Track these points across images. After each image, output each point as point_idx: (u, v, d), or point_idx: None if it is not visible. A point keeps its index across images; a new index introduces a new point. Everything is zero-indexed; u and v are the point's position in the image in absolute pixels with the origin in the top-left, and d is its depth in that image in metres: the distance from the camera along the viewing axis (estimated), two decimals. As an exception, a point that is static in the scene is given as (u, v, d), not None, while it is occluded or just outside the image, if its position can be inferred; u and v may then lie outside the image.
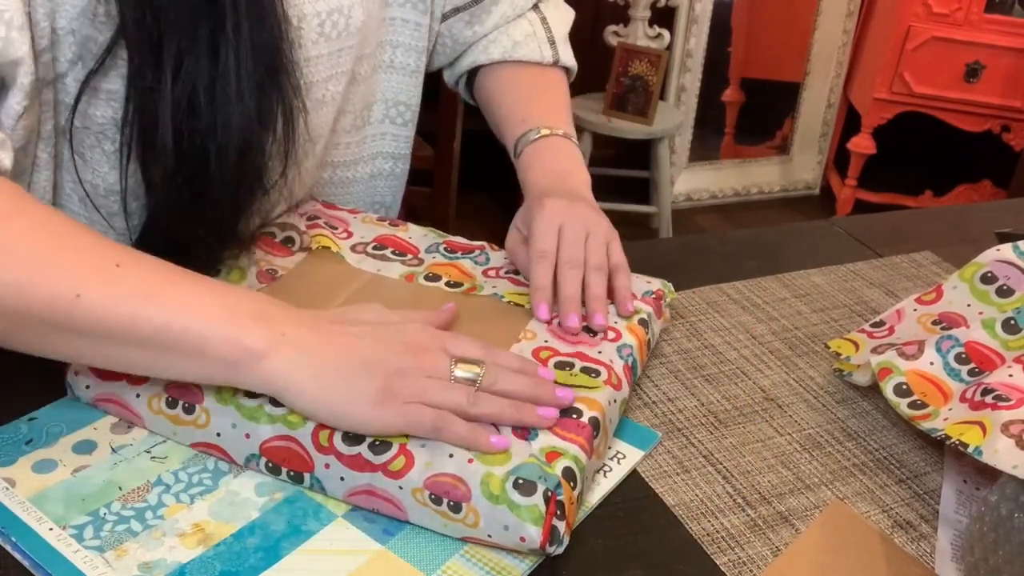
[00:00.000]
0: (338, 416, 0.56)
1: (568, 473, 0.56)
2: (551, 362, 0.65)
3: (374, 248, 0.77)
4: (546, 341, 0.67)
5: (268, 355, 0.55)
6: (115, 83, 0.63)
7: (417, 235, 0.80)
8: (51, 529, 0.54)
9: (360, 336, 0.58)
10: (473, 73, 0.93)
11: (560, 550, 0.55)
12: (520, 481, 0.54)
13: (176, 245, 0.63)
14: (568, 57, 0.92)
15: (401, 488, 0.55)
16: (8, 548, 0.53)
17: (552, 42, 0.91)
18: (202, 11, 0.60)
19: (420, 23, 0.85)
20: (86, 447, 0.60)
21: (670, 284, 0.77)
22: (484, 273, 0.75)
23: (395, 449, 0.56)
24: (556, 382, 0.62)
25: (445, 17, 0.88)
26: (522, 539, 0.53)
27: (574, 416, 0.60)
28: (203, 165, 0.63)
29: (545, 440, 0.57)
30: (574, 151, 0.82)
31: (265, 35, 0.63)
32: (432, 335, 0.60)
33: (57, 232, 0.56)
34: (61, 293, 0.53)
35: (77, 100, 0.63)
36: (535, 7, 0.93)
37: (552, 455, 0.56)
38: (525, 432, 0.58)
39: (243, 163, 0.65)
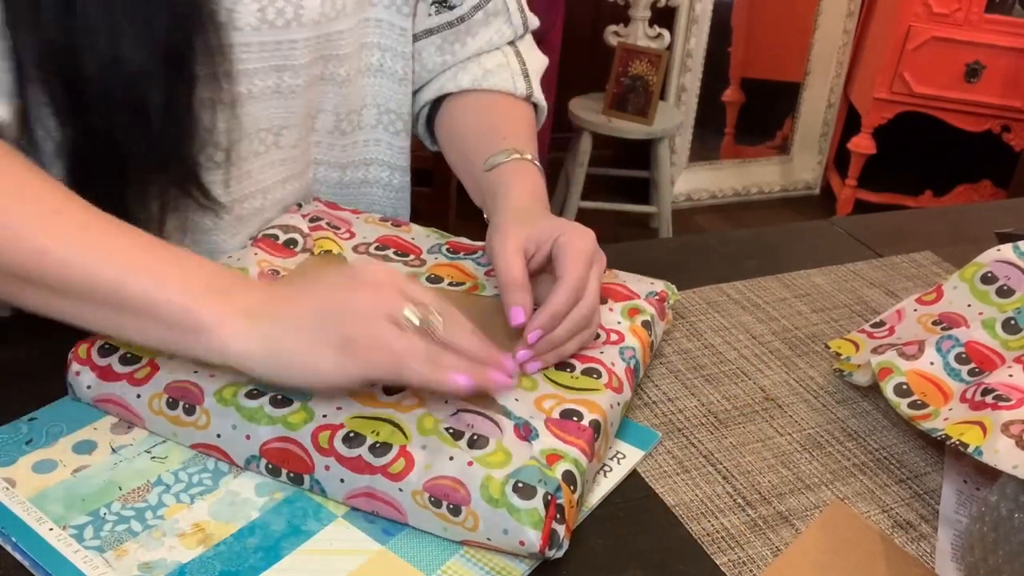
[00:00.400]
0: (299, 375, 0.56)
1: (568, 476, 0.56)
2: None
3: (376, 248, 0.77)
4: None
5: (220, 325, 0.56)
6: None
7: (420, 236, 0.80)
8: (51, 529, 0.54)
9: (314, 290, 0.57)
10: (435, 107, 0.89)
11: (559, 554, 0.55)
12: (520, 484, 0.54)
13: (105, 191, 0.63)
14: (540, 95, 0.88)
15: (401, 491, 0.55)
16: (8, 548, 0.53)
17: (526, 75, 0.87)
18: None
19: (404, 28, 0.83)
20: (86, 447, 0.60)
21: (673, 286, 0.77)
22: (487, 274, 0.75)
23: (395, 451, 0.56)
24: (561, 384, 0.62)
25: (416, 37, 0.85)
26: (521, 543, 0.53)
27: (575, 419, 0.59)
28: (79, 71, 0.63)
29: (546, 442, 0.57)
30: (543, 180, 0.78)
31: None
32: (388, 273, 0.58)
33: (28, 191, 0.58)
34: (31, 249, 0.56)
35: None
36: (511, 43, 0.90)
37: (553, 457, 0.56)
38: (527, 432, 0.58)
39: (139, 112, 0.65)
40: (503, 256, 0.66)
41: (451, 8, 0.84)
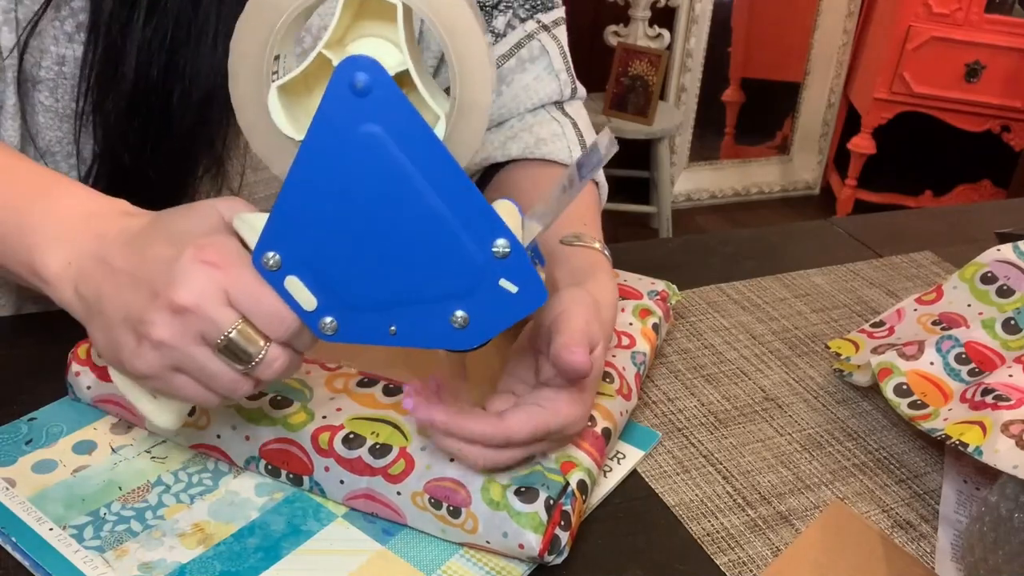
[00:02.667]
0: (113, 363, 0.51)
1: (582, 486, 0.56)
2: None
3: None
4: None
5: (54, 285, 0.52)
6: (68, 24, 0.63)
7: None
8: (51, 529, 0.54)
9: (123, 286, 0.48)
10: (481, 184, 0.78)
11: (559, 560, 0.54)
12: (522, 489, 0.54)
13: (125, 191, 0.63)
14: (600, 173, 0.77)
15: (400, 494, 0.55)
16: (8, 548, 0.53)
17: (584, 147, 0.76)
18: None
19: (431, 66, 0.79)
20: (86, 447, 0.60)
21: (674, 286, 0.77)
22: None
23: (395, 453, 0.56)
24: None
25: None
26: (521, 546, 0.53)
27: (589, 423, 0.59)
28: (163, 109, 0.62)
29: (560, 449, 0.57)
30: (614, 283, 0.64)
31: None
32: (207, 283, 0.46)
33: None
34: None
35: (28, 36, 0.62)
36: (560, 106, 0.80)
37: (568, 465, 0.56)
38: None
39: (203, 113, 0.64)
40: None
41: None
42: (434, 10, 0.46)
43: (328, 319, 0.48)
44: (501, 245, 0.46)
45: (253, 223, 0.48)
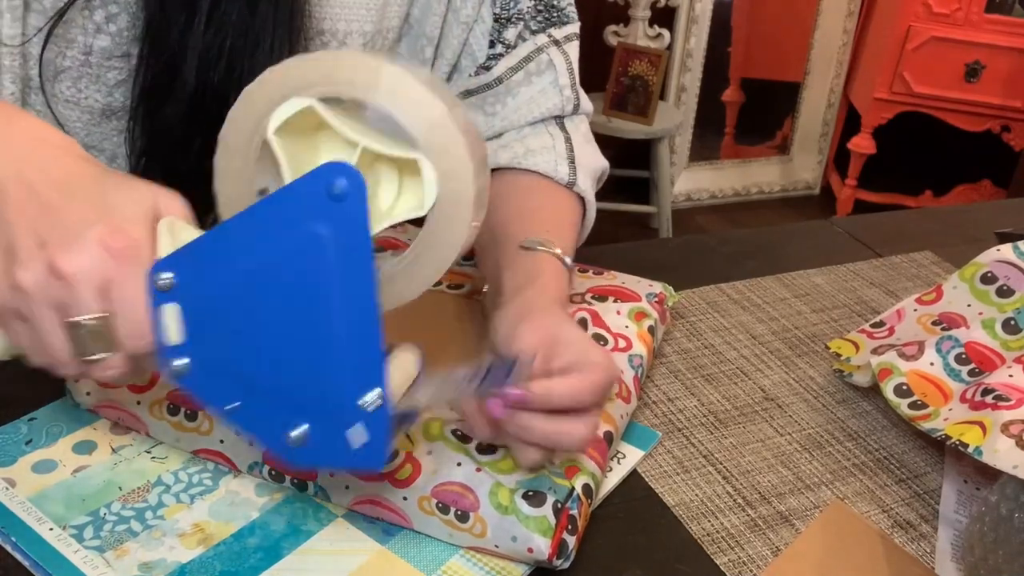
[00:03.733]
0: None
1: (587, 490, 0.56)
2: None
3: (374, 250, 0.76)
4: None
5: None
6: (98, 15, 0.63)
7: (416, 235, 0.79)
8: (51, 529, 0.54)
9: (26, 213, 0.46)
10: None
11: (566, 564, 0.54)
12: (530, 493, 0.54)
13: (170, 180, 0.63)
14: (587, 187, 0.76)
15: (406, 499, 0.55)
16: (8, 548, 0.53)
17: (572, 162, 0.76)
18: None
19: None
20: (86, 447, 0.60)
21: (671, 287, 0.77)
22: None
23: (401, 457, 0.56)
24: None
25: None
26: (530, 550, 0.53)
27: None
28: (219, 114, 0.63)
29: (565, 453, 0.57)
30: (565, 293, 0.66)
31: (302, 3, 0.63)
32: (96, 264, 0.45)
33: None
34: None
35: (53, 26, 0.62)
36: (559, 121, 0.80)
37: (572, 469, 0.56)
38: None
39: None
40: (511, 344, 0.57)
41: (487, 70, 0.77)
42: (435, 152, 0.46)
43: (182, 361, 0.47)
44: (372, 398, 0.45)
45: (177, 234, 0.47)
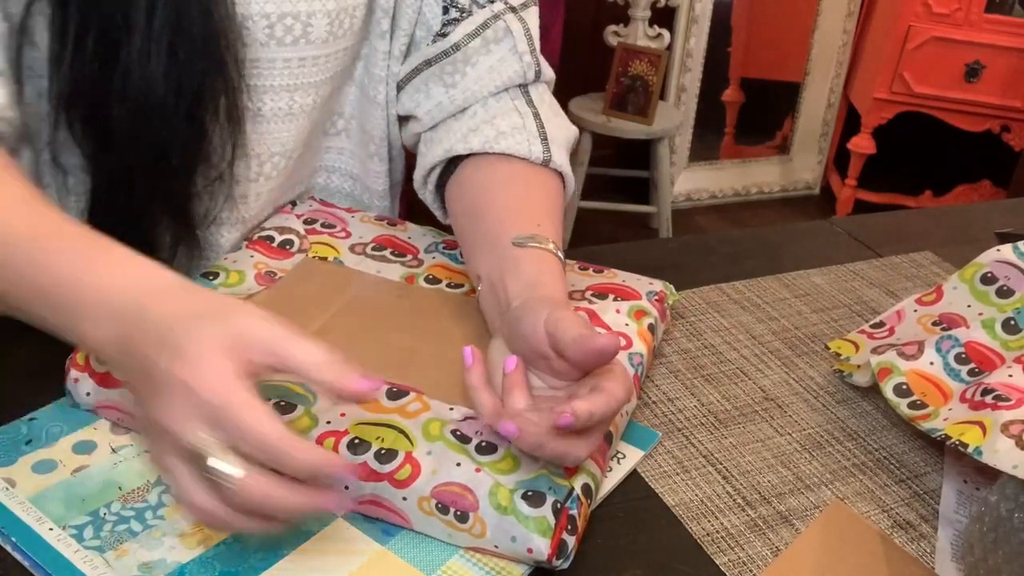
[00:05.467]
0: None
1: (587, 490, 0.56)
2: None
3: (373, 249, 0.77)
4: None
5: (95, 351, 0.54)
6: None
7: (416, 235, 0.80)
8: (51, 529, 0.54)
9: (143, 381, 0.49)
10: (445, 174, 0.79)
11: (566, 565, 0.54)
12: (529, 493, 0.54)
13: (124, 222, 0.63)
14: (562, 161, 0.76)
15: (406, 499, 0.55)
16: (8, 548, 0.53)
17: (544, 139, 0.76)
18: None
19: (377, 48, 0.80)
20: (86, 447, 0.60)
21: (671, 286, 0.76)
22: None
23: (401, 457, 0.56)
24: None
25: (417, 70, 0.80)
26: (529, 551, 0.53)
27: None
28: (110, 127, 0.64)
29: None
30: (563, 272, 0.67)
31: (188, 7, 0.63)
32: (195, 408, 0.46)
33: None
34: None
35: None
36: (525, 91, 0.80)
37: (572, 469, 0.56)
38: None
39: (163, 147, 0.65)
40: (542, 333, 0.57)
41: (444, 36, 0.78)
42: None
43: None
44: None
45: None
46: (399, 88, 0.82)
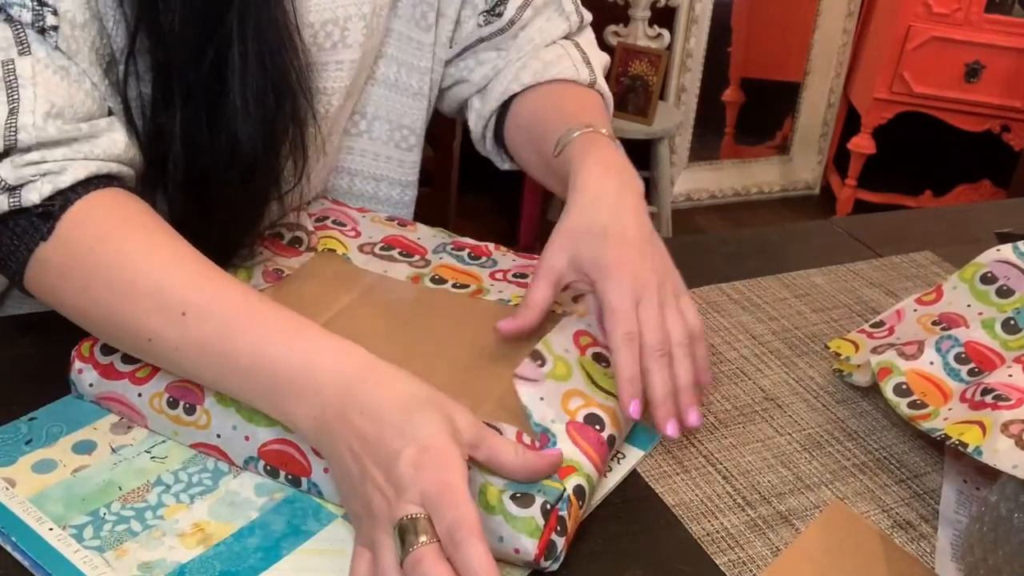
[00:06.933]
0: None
1: (579, 491, 0.56)
2: (589, 351, 0.65)
3: (381, 249, 0.77)
4: (588, 326, 0.67)
5: (302, 432, 0.56)
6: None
7: (426, 236, 0.80)
8: (51, 529, 0.54)
9: (360, 451, 0.52)
10: (502, 117, 0.85)
11: (555, 566, 0.54)
12: (518, 494, 0.54)
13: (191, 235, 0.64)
14: (604, 86, 0.85)
15: None
16: (8, 548, 0.53)
17: (588, 63, 0.84)
18: (205, 33, 0.61)
19: (422, 42, 0.82)
20: (86, 447, 0.60)
21: None
22: (491, 276, 0.75)
23: None
24: (594, 381, 0.63)
25: (470, 47, 0.84)
26: (516, 551, 0.53)
27: (596, 427, 0.59)
28: (208, 183, 0.65)
29: (565, 448, 0.57)
30: (625, 158, 0.72)
31: (273, 55, 0.64)
32: (420, 475, 0.49)
33: (134, 274, 0.58)
34: (138, 335, 0.58)
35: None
36: (566, 37, 0.87)
37: (567, 469, 0.56)
38: (543, 442, 0.57)
39: (249, 182, 0.66)
40: (534, 280, 0.66)
41: (499, 16, 0.82)
42: None
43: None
44: None
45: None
46: (446, 64, 0.85)
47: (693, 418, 0.63)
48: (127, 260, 0.58)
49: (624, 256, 0.64)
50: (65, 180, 0.59)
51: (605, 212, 0.66)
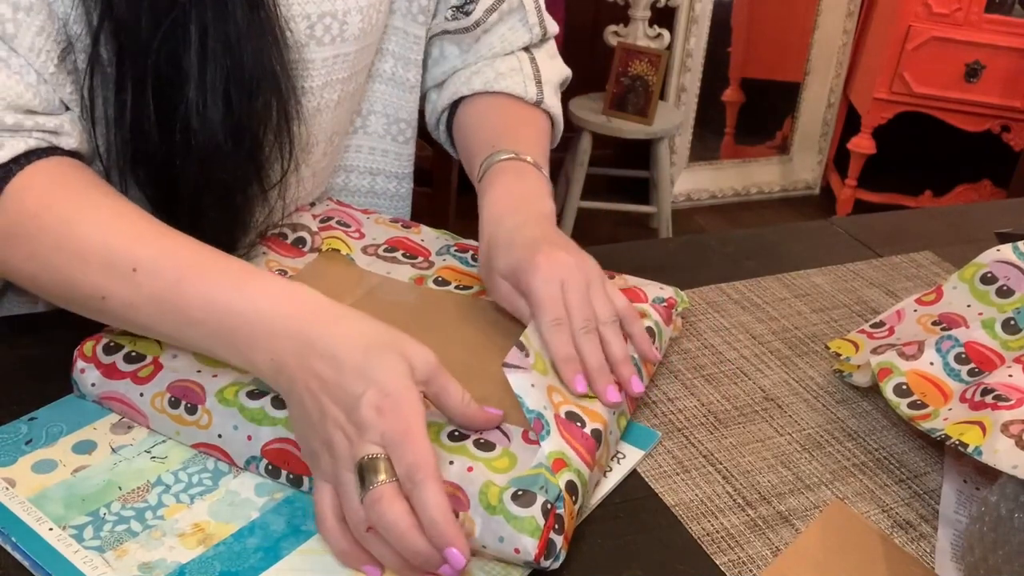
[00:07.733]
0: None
1: (571, 487, 0.56)
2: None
3: (385, 251, 0.77)
4: None
5: (262, 376, 0.57)
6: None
7: (429, 237, 0.80)
8: (51, 529, 0.54)
9: (320, 392, 0.53)
10: (453, 113, 0.88)
11: (555, 565, 0.54)
12: (519, 492, 0.54)
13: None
14: (553, 103, 0.86)
15: None
16: (8, 548, 0.53)
17: (538, 82, 0.85)
18: (156, 19, 0.61)
19: (419, 36, 0.83)
20: (86, 447, 0.60)
21: (683, 293, 0.76)
22: None
23: None
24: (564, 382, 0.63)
25: (435, 35, 0.86)
26: (516, 551, 0.53)
27: (577, 424, 0.59)
28: (160, 169, 0.65)
29: (555, 442, 0.57)
30: (541, 180, 0.75)
31: (242, 48, 0.63)
32: (382, 418, 0.51)
33: (81, 235, 0.59)
34: (91, 295, 0.59)
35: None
36: (527, 48, 0.88)
37: (559, 464, 0.56)
38: (538, 428, 0.57)
39: (211, 173, 0.66)
40: (491, 288, 0.69)
41: (467, 15, 0.83)
42: None
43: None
44: None
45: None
46: None
47: (635, 386, 0.65)
48: (73, 222, 0.59)
49: (539, 251, 0.66)
50: (2, 155, 0.59)
51: (509, 225, 0.69)
